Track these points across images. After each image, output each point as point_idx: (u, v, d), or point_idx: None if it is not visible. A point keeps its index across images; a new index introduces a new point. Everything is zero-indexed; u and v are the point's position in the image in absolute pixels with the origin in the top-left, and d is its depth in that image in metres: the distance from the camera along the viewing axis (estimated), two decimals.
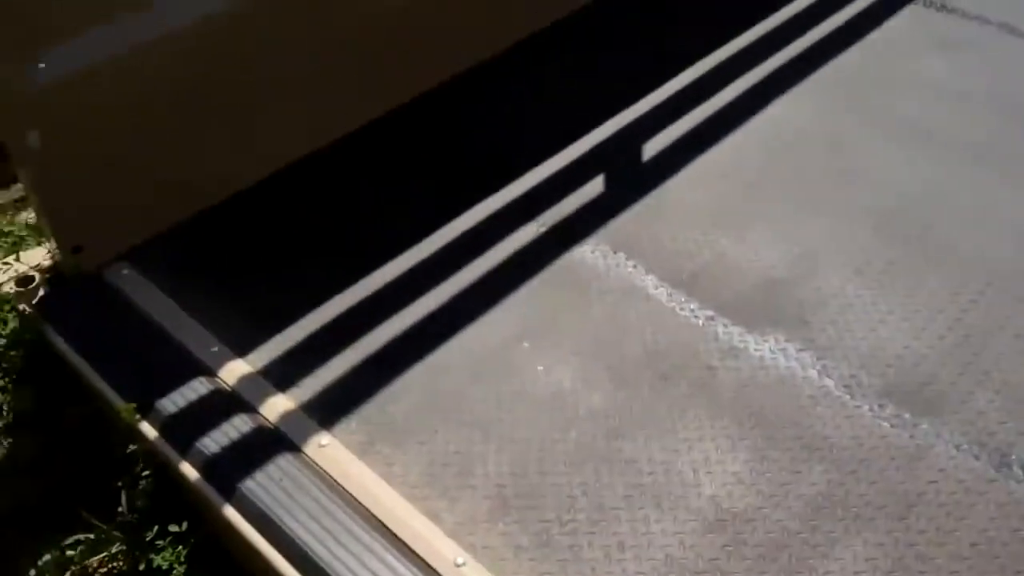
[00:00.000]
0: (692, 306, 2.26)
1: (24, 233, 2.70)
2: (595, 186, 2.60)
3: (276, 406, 2.08)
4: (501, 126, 2.84)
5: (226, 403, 2.07)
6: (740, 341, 2.18)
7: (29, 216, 2.77)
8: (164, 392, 2.08)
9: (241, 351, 2.21)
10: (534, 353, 2.17)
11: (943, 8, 3.22)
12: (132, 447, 2.04)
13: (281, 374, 2.16)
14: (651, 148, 2.73)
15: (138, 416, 2.04)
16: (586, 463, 1.94)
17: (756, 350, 2.15)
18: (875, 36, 3.11)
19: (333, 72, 2.66)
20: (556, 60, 3.08)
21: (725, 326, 2.21)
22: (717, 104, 2.87)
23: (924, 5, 3.24)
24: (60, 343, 2.23)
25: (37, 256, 2.47)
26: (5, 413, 2.26)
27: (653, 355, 2.15)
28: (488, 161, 2.71)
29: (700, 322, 2.22)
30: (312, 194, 2.63)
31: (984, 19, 3.16)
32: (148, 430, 2.03)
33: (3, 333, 2.27)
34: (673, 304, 2.27)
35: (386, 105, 2.83)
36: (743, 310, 2.25)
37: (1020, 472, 1.88)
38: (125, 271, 2.41)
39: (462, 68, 2.98)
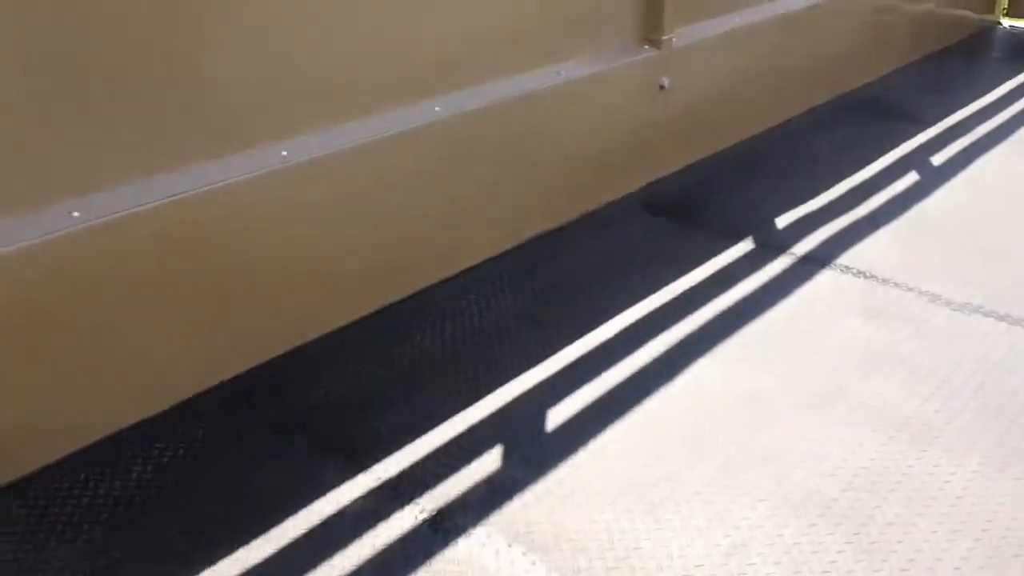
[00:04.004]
0: None
1: None
2: (489, 461, 2.20)
3: None
4: (379, 384, 2.48)
5: None
6: None
7: None
8: None
9: None
10: None
11: (862, 275, 3.08)
12: None
13: None
14: (557, 415, 2.38)
15: None
16: None
17: None
18: (793, 301, 2.92)
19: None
20: (450, 317, 2.79)
21: None
22: (628, 369, 2.56)
23: (842, 271, 3.09)
24: None
25: None
26: None
27: None
28: (352, 428, 2.31)
29: None
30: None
31: (905, 286, 3.01)
32: None
33: None
34: None
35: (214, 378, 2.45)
36: None
37: None
38: None
39: (343, 322, 2.67)
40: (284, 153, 2.43)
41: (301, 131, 2.47)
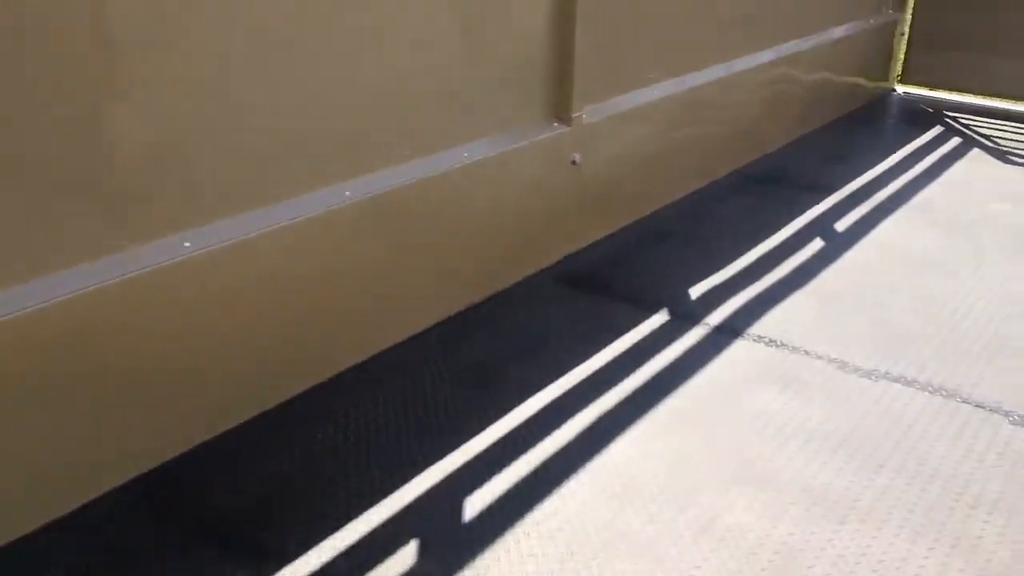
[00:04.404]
0: None
1: None
2: (405, 558, 2.14)
3: None
4: (288, 481, 2.40)
5: None
6: None
7: None
8: None
9: None
10: None
11: (773, 343, 3.13)
12: None
13: None
14: (475, 504, 2.34)
15: None
16: None
17: None
18: (709, 372, 2.96)
19: None
20: (362, 405, 2.73)
21: None
22: (547, 451, 2.54)
23: (754, 340, 3.15)
24: None
25: None
26: None
27: None
28: (260, 529, 2.23)
29: None
30: None
31: (815, 354, 3.07)
32: None
33: None
34: None
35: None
36: None
37: None
38: None
39: (248, 416, 2.60)
40: (187, 244, 2.38)
41: (204, 221, 2.43)
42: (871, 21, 6.13)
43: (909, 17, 6.49)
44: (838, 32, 5.69)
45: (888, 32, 6.41)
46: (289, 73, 2.55)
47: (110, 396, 2.26)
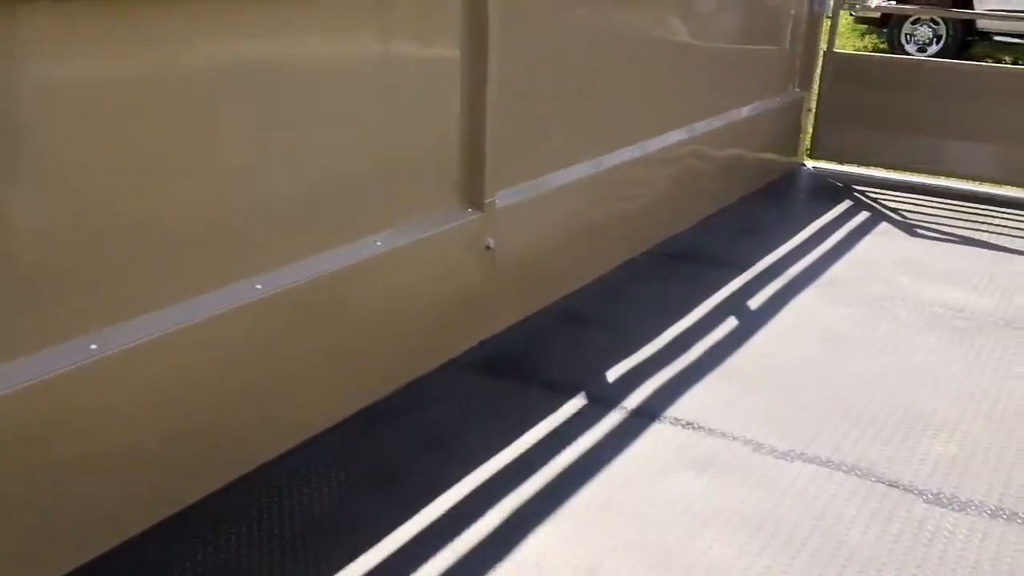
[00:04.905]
0: None
1: None
2: None
3: None
4: None
5: None
6: None
7: None
8: None
9: None
10: None
11: (689, 426, 3.12)
12: None
13: None
14: None
15: None
16: None
17: None
18: (627, 458, 2.93)
19: None
20: (267, 509, 2.63)
21: None
22: (462, 548, 2.47)
23: (671, 423, 3.13)
24: None
25: None
26: None
27: None
28: None
29: None
30: None
31: (731, 436, 3.07)
32: None
33: None
34: None
35: None
36: None
37: None
38: None
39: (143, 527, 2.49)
40: (93, 346, 2.29)
41: (111, 322, 2.34)
42: (778, 99, 6.33)
43: (815, 94, 6.73)
44: (747, 110, 5.86)
45: (796, 109, 6.62)
46: (197, 166, 2.49)
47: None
